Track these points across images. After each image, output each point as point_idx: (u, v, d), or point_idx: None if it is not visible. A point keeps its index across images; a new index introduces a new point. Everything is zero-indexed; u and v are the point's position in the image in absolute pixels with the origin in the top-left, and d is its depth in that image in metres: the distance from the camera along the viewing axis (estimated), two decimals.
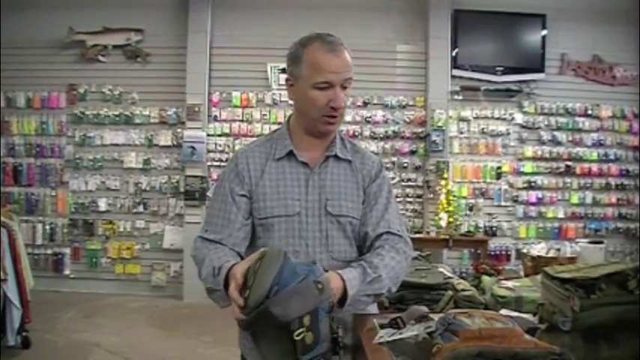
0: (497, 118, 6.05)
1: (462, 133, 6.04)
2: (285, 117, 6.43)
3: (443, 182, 5.51)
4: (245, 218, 1.48)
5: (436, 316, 1.19)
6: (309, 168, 1.50)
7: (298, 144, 1.52)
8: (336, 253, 1.48)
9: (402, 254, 1.46)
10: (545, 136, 6.06)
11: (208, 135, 5.89)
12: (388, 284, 1.40)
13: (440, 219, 5.34)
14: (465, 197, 5.98)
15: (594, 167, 6.08)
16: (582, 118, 6.08)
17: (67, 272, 5.93)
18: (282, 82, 5.90)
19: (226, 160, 5.90)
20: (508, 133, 6.05)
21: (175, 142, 5.96)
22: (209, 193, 5.87)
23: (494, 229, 5.97)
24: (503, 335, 1.03)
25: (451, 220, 5.33)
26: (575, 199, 6.08)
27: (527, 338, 1.06)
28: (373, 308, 1.57)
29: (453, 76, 5.98)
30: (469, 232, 5.71)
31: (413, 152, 6.00)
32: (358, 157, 1.57)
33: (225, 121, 5.96)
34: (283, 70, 5.84)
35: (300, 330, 1.14)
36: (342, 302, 1.29)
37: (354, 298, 1.31)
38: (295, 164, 1.50)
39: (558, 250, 2.84)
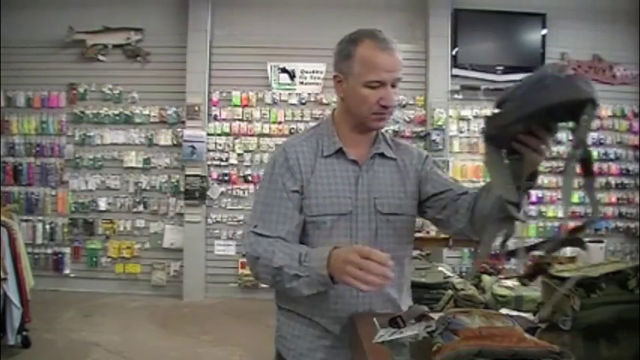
0: None
1: (462, 132, 6.04)
2: (284, 116, 6.41)
3: None
4: (300, 214, 1.45)
5: (436, 315, 1.18)
6: (358, 166, 1.50)
7: (344, 141, 1.51)
8: (384, 252, 1.48)
9: None
10: None
11: (208, 134, 5.89)
12: None
13: None
14: None
15: (594, 166, 6.06)
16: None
17: (67, 271, 5.93)
18: (282, 81, 5.92)
19: (226, 160, 5.90)
20: None
21: (175, 142, 5.96)
22: (209, 193, 5.87)
23: None
24: (504, 334, 1.03)
25: None
26: (575, 199, 6.07)
27: (527, 337, 1.05)
28: (408, 300, 1.58)
29: (453, 75, 5.97)
30: None
31: None
32: (402, 152, 1.58)
33: (225, 120, 5.96)
34: (283, 70, 5.92)
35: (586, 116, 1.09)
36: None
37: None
38: (344, 162, 1.49)
39: None
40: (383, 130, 1.59)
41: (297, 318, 1.50)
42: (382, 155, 1.53)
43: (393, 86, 1.45)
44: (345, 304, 1.45)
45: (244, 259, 5.86)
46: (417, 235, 4.96)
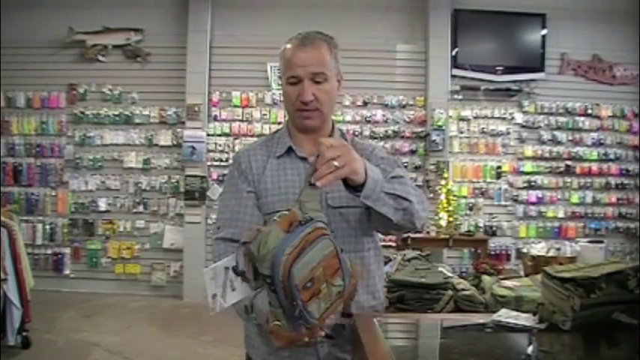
0: (497, 118, 6.05)
1: (461, 132, 6.04)
2: (284, 117, 6.42)
3: (443, 182, 5.52)
4: (258, 212, 1.48)
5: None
6: (308, 163, 1.49)
7: (296, 140, 1.53)
8: (340, 245, 1.48)
9: (422, 193, 1.45)
10: (545, 135, 6.06)
11: (208, 135, 5.89)
12: (412, 195, 1.37)
13: (440, 218, 5.34)
14: (464, 197, 5.98)
15: (594, 167, 6.08)
16: (582, 118, 6.08)
17: (67, 272, 5.93)
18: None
19: (226, 160, 5.91)
20: (508, 133, 6.06)
21: (175, 142, 5.96)
22: (209, 193, 5.87)
23: (494, 228, 5.97)
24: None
25: (451, 219, 5.33)
26: (575, 199, 6.08)
27: None
28: (382, 304, 1.56)
29: (452, 76, 5.98)
30: (469, 231, 5.71)
31: (413, 152, 6.00)
32: (360, 151, 1.56)
33: (225, 120, 5.96)
34: None
35: None
36: (360, 189, 1.26)
37: (376, 187, 1.28)
38: (295, 160, 1.51)
39: (558, 249, 2.83)
40: (345, 130, 1.63)
41: None
42: None
43: (318, 82, 1.43)
44: None
45: None
46: (417, 235, 5.05)
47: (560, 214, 6.05)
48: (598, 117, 6.10)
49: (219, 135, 5.95)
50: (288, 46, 1.47)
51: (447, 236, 5.17)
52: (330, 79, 1.45)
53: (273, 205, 1.45)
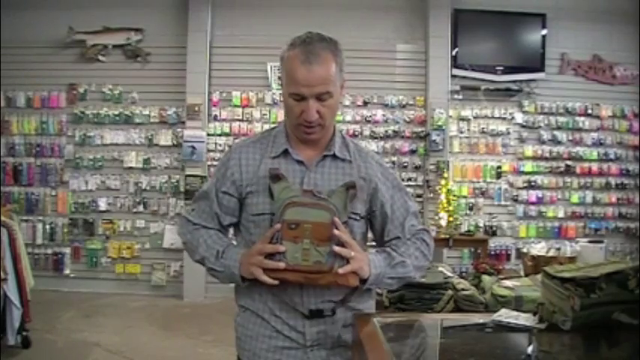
0: (498, 118, 6.05)
1: (462, 132, 6.04)
2: (284, 116, 6.41)
3: (443, 182, 5.51)
4: (225, 213, 1.51)
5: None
6: (304, 166, 1.47)
7: (294, 143, 1.50)
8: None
9: (426, 245, 1.53)
10: (546, 135, 6.06)
11: (208, 134, 5.89)
12: (412, 270, 1.48)
13: (440, 218, 5.34)
14: (465, 197, 5.98)
15: (594, 166, 6.08)
16: (582, 118, 6.08)
17: (67, 272, 5.92)
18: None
19: None
20: (508, 133, 6.06)
21: (175, 142, 5.96)
22: None
23: (494, 228, 5.97)
24: (311, 271, 1.32)
25: (451, 219, 5.33)
26: (575, 199, 6.08)
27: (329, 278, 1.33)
28: (370, 307, 1.56)
29: (453, 76, 5.97)
30: (469, 231, 5.71)
31: (413, 152, 6.00)
32: (362, 158, 1.53)
33: (225, 120, 5.96)
34: None
35: None
36: (365, 281, 1.40)
37: (379, 278, 1.42)
38: (291, 162, 1.47)
39: (558, 249, 2.84)
40: (344, 134, 1.59)
41: (251, 318, 1.50)
42: (334, 157, 1.49)
43: (322, 100, 1.39)
44: (285, 302, 1.44)
45: None
46: None
47: (560, 214, 6.05)
48: (598, 117, 6.10)
49: (220, 135, 5.95)
50: (291, 54, 1.39)
51: (447, 236, 5.17)
52: (334, 94, 1.41)
53: (263, 207, 1.44)
